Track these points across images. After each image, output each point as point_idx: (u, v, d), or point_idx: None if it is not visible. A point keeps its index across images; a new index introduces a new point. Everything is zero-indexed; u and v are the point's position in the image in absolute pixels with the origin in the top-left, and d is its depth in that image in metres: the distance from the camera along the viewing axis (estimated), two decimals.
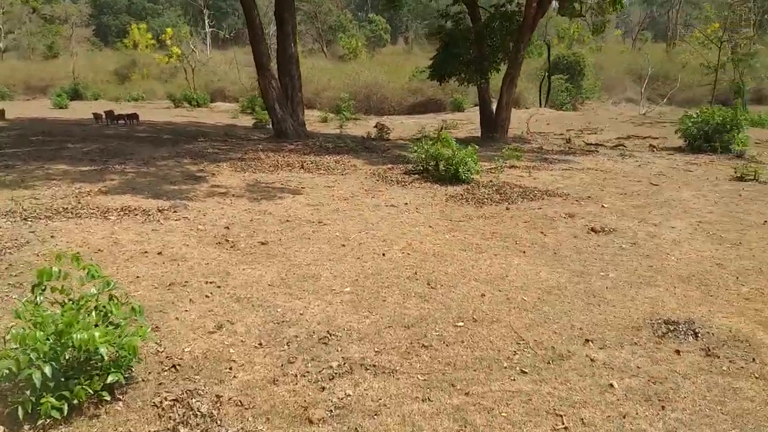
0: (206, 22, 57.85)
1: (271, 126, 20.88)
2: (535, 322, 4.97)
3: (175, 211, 8.64)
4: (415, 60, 63.67)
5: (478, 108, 39.39)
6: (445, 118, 32.00)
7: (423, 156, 12.47)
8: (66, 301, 3.67)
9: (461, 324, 4.85)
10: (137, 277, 5.72)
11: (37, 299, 3.56)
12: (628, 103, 49.47)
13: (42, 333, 3.37)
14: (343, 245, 7.14)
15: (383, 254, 6.79)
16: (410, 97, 40.75)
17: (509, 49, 21.14)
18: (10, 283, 5.43)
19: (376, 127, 22.00)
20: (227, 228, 7.81)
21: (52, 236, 7.08)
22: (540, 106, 36.35)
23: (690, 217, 8.80)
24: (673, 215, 8.94)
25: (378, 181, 11.75)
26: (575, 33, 52.87)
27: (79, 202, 8.99)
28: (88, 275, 3.72)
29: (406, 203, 9.76)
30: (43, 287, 3.62)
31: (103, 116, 21.76)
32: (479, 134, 23.39)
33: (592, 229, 7.97)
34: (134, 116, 21.99)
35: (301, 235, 7.58)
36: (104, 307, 3.66)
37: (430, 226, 8.23)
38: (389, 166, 13.48)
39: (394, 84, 41.93)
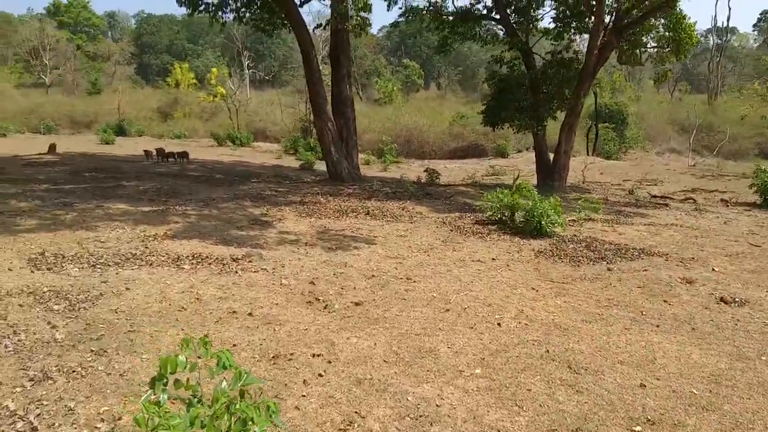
0: (245, 63, 58.81)
1: (319, 167, 20.44)
2: (725, 427, 4.06)
3: (250, 261, 7.97)
4: (450, 105, 63.90)
5: (520, 154, 39.01)
6: (493, 164, 31.32)
7: (498, 206, 11.72)
8: (192, 399, 2.92)
9: (639, 429, 3.97)
10: (234, 345, 4.98)
11: (161, 398, 2.81)
12: (671, 153, 48.36)
13: None
14: (447, 309, 6.33)
15: (498, 324, 5.96)
16: (451, 141, 40.34)
17: (565, 96, 20.58)
18: (92, 350, 4.73)
19: (426, 171, 21.40)
20: (312, 283, 7.08)
21: (126, 288, 6.42)
22: (587, 155, 35.52)
23: None
24: None
25: (452, 231, 11.00)
26: (617, 82, 52.35)
27: (147, 247, 8.39)
28: (219, 366, 2.97)
29: (493, 259, 8.96)
30: (165, 381, 2.88)
31: (154, 153, 21.58)
32: (533, 182, 22.67)
33: (722, 300, 7.03)
34: (185, 155, 21.79)
35: (394, 295, 6.81)
36: (241, 410, 2.89)
37: (533, 289, 7.39)
38: (457, 214, 12.74)
39: (434, 128, 41.64)
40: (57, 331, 5.03)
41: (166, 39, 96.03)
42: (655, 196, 19.12)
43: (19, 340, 4.76)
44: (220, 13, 16.59)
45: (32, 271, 6.87)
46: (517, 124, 20.88)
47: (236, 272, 7.40)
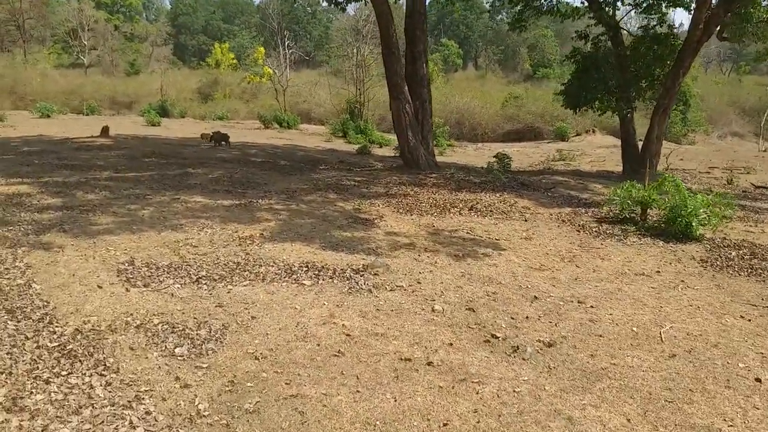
0: (286, 43, 57.23)
1: (377, 152, 18.99)
2: None
3: (376, 274, 6.55)
4: (491, 85, 61.60)
5: (581, 138, 36.85)
6: (559, 147, 29.37)
7: (628, 201, 10.08)
8: None
9: None
10: (445, 425, 3.55)
11: None
12: (733, 137, 45.65)
13: None
14: (672, 355, 4.82)
15: (756, 379, 4.43)
16: (505, 123, 38.39)
17: (657, 75, 18.62)
18: None
19: (496, 157, 19.70)
20: (471, 309, 5.63)
21: (252, 316, 5.07)
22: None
23: None
24: None
25: (579, 232, 9.44)
26: None
27: (248, 253, 7.04)
28: None
29: (658, 271, 7.39)
30: None
31: (207, 138, 20.15)
32: (614, 169, 20.87)
33: None
34: (225, 137, 20.04)
35: (581, 329, 5.32)
36: None
37: (742, 317, 5.83)
38: (569, 209, 11.14)
39: (487, 109, 39.69)
40: (194, 394, 3.68)
41: (202, 19, 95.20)
42: (760, 187, 17.16)
43: (147, 414, 3.42)
44: None
45: (127, 290, 5.57)
46: (603, 106, 18.99)
47: (369, 291, 5.98)
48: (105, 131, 19.44)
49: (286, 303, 5.47)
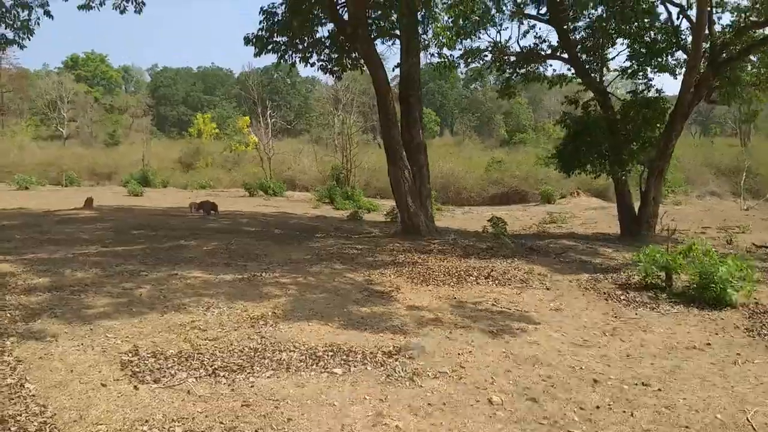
0: (268, 113, 57.62)
1: (369, 217, 18.59)
2: None
3: (410, 357, 5.87)
4: (469, 151, 62.43)
5: (565, 200, 37.00)
6: (549, 210, 29.29)
7: (653, 267, 9.63)
8: None
9: None
10: None
11: None
12: (711, 196, 46.34)
13: None
14: None
15: None
16: (490, 187, 38.54)
17: (646, 138, 18.75)
18: None
19: (490, 221, 19.33)
20: (534, 401, 4.96)
21: (287, 418, 4.33)
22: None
23: None
24: None
25: (606, 300, 8.93)
26: None
27: (263, 336, 6.33)
28: None
29: (708, 344, 6.84)
30: None
31: (194, 207, 19.51)
32: (608, 230, 20.69)
33: None
34: (214, 207, 19.54)
35: (660, 417, 4.69)
36: None
37: None
38: (587, 276, 10.63)
39: (472, 174, 39.91)
40: None
41: (182, 91, 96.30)
42: (762, 246, 16.98)
43: None
44: (289, 54, 14.97)
45: (136, 387, 4.80)
46: (597, 169, 18.96)
47: (410, 379, 5.29)
48: (88, 203, 18.71)
49: (322, 398, 4.75)
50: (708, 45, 16.91)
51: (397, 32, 16.03)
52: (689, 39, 18.53)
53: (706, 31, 16.43)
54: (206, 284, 8.72)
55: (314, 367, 5.50)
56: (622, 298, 9.09)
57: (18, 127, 66.19)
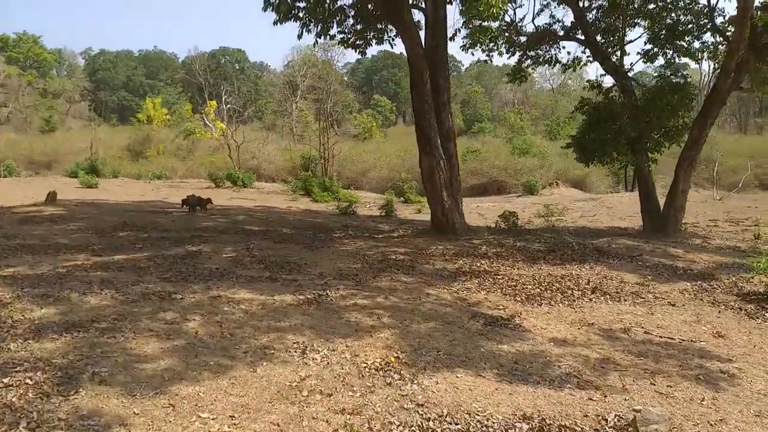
0: (224, 98, 54.20)
1: (362, 211, 16.70)
2: None
3: None
4: None
5: (547, 190, 35.95)
6: (534, 201, 28.12)
7: None
8: None
9: None
10: None
11: None
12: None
13: None
14: None
15: None
16: (469, 178, 37.05)
17: (670, 126, 17.57)
18: None
19: (500, 216, 17.74)
20: None
21: None
22: (628, 190, 32.94)
23: None
24: None
25: (753, 318, 7.39)
26: None
27: (417, 403, 4.36)
28: None
29: None
30: None
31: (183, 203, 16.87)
32: (612, 224, 19.50)
33: None
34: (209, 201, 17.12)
35: None
36: None
37: None
38: (688, 284, 9.14)
39: None
40: None
41: (123, 75, 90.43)
42: None
43: None
44: (311, 24, 12.71)
45: None
46: (624, 159, 17.67)
47: None
48: (51, 197, 15.84)
49: None
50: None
51: (422, 4, 14.02)
52: (718, 21, 17.52)
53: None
54: (269, 311, 6.58)
55: None
56: (756, 313, 7.60)
57: None
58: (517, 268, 9.77)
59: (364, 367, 5.03)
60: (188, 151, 47.81)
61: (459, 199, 14.31)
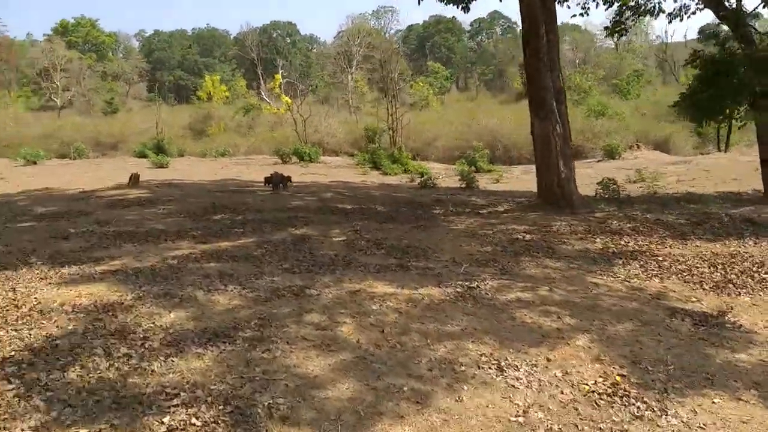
0: (281, 73, 53.38)
1: (441, 183, 15.42)
2: None
3: None
4: (488, 106, 58.60)
5: (630, 153, 33.54)
6: (619, 166, 26.18)
7: None
8: None
9: None
10: None
11: None
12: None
13: None
14: None
15: None
16: None
17: None
18: None
19: (600, 183, 16.10)
20: None
21: None
22: (720, 150, 30.47)
23: None
24: None
25: None
26: None
27: None
28: None
29: None
30: None
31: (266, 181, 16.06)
32: (732, 189, 17.41)
33: None
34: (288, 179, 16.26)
35: None
36: None
37: None
38: None
39: (521, 130, 36.45)
40: None
41: (178, 54, 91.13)
42: None
43: None
44: None
45: None
46: (750, 116, 15.71)
47: None
48: (135, 179, 15.31)
49: None
50: None
51: None
52: None
53: None
54: (423, 310, 5.55)
55: None
56: None
57: (7, 99, 61.76)
58: (670, 247, 8.42)
59: (589, 391, 3.93)
60: (248, 127, 47.48)
61: (572, 168, 12.90)
